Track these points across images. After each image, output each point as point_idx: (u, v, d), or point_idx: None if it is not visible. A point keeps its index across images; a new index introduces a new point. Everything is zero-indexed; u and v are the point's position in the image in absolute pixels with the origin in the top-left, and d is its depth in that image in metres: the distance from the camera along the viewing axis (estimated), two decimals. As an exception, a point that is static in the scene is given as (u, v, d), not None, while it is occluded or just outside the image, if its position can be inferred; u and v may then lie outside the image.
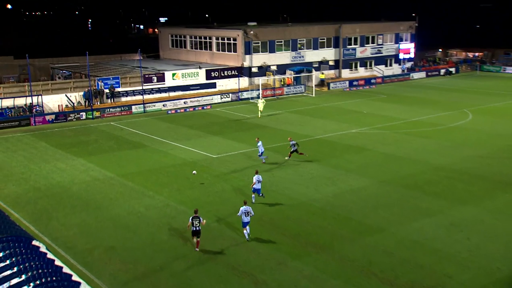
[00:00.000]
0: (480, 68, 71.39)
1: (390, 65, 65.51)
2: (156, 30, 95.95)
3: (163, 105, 46.31)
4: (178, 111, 45.63)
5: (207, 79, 51.61)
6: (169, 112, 45.22)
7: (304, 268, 17.09)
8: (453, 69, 69.20)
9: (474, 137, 34.11)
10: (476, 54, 78.36)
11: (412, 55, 66.68)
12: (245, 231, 19.14)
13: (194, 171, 25.83)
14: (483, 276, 16.33)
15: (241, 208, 19.06)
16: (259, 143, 28.35)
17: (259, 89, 49.95)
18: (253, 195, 22.72)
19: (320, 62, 59.21)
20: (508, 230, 19.60)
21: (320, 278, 16.53)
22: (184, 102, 47.32)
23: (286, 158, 29.28)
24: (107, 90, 45.68)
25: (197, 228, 18.27)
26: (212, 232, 19.92)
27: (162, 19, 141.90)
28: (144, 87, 47.11)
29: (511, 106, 45.08)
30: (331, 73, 60.10)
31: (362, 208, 22.17)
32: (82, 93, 44.49)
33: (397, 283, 16.12)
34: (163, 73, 49.42)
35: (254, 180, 22.29)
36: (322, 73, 58.25)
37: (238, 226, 20.34)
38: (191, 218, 18.43)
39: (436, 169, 27.35)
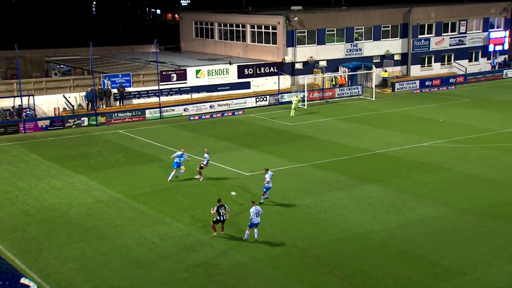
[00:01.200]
0: None
1: (476, 59, 64.34)
2: (176, 16, 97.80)
3: (184, 110, 47.03)
4: (203, 117, 46.18)
5: (239, 77, 52.10)
6: (192, 118, 45.83)
7: (359, 320, 16.88)
8: (562, 65, 67.19)
9: None
10: None
11: (506, 46, 65.30)
12: (247, 231, 21.96)
13: (233, 192, 25.60)
14: None
15: (252, 209, 21.72)
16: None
17: (304, 90, 50.04)
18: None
19: (383, 57, 58.82)
20: None
21: (381, 333, 16.28)
22: (211, 106, 47.91)
23: (197, 177, 29.77)
24: (115, 90, 46.78)
25: (224, 218, 22.06)
26: (243, 271, 19.96)
27: (184, 2, 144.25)
28: (161, 87, 47.98)
29: None
30: (396, 70, 59.55)
31: (437, 244, 21.75)
32: (84, 93, 45.56)
33: None
34: (185, 70, 50.21)
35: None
36: (385, 71, 57.83)
37: (276, 263, 20.31)
38: (216, 207, 21.97)
39: (536, 195, 26.55)
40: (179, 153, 29.37)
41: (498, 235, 22.49)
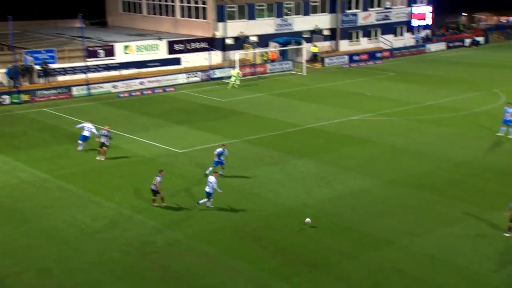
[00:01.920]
0: (514, 37, 72.71)
1: (401, 34, 66.16)
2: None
3: (113, 87, 45.97)
4: (133, 94, 45.35)
5: (169, 53, 51.36)
6: (121, 95, 44.92)
7: (293, 292, 17.24)
8: (481, 39, 70.32)
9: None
10: (511, 18, 79.59)
11: (429, 21, 67.38)
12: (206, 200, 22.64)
13: (308, 219, 21.46)
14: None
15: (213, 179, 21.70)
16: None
17: (235, 66, 49.94)
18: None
19: (313, 32, 59.42)
20: (546, 241, 20.06)
21: (314, 304, 16.70)
22: (141, 83, 47.03)
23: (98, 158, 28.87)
24: (38, 67, 45.09)
25: (155, 187, 22.50)
26: (178, 248, 19.92)
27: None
28: (88, 63, 46.64)
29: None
30: (325, 45, 60.38)
31: (365, 215, 22.42)
32: (5, 70, 43.80)
33: (410, 308, 16.38)
34: (112, 46, 48.97)
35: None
36: (315, 46, 58.48)
37: (211, 239, 20.38)
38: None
39: (459, 165, 27.80)
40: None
41: (422, 205, 23.42)
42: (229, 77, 48.05)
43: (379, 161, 28.65)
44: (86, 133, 30.17)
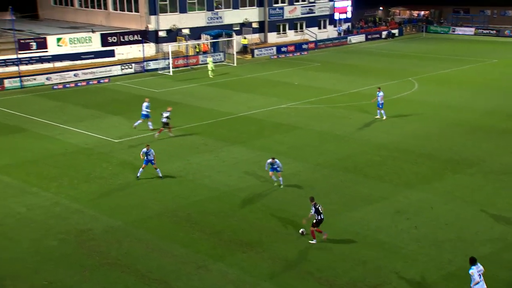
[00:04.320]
0: (426, 29, 75.37)
1: (324, 27, 67.17)
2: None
3: (47, 79, 44.30)
4: (67, 86, 43.85)
5: (103, 45, 49.97)
6: (55, 87, 43.36)
7: (228, 271, 17.25)
8: (396, 31, 72.43)
9: (421, 110, 36.00)
10: (422, 13, 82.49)
11: (349, 15, 68.73)
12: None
13: (302, 229, 19.50)
14: (434, 270, 17.38)
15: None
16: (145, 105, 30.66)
17: (169, 58, 49.16)
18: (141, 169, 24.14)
19: (242, 25, 59.35)
20: (459, 216, 21.00)
21: (248, 281, 16.78)
22: (75, 75, 45.51)
23: (156, 135, 29.93)
24: (-31, 60, 42.76)
25: (322, 216, 18.53)
26: (116, 234, 19.46)
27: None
28: (20, 56, 44.62)
29: (462, 73, 48.12)
30: (255, 37, 60.48)
31: (295, 197, 22.70)
32: None
33: (338, 283, 16.74)
34: (45, 38, 47.16)
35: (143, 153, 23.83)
36: (245, 38, 58.46)
37: (148, 225, 20.05)
38: (313, 206, 18.48)
39: (379, 148, 28.60)
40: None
41: (346, 185, 23.95)
42: (161, 68, 47.26)
43: (306, 146, 29.03)
44: (144, 112, 30.86)
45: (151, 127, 30.99)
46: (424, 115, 34.73)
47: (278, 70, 50.58)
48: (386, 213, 21.15)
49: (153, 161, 24.09)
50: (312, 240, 18.96)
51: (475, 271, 14.53)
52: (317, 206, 18.71)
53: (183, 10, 54.82)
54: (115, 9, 56.11)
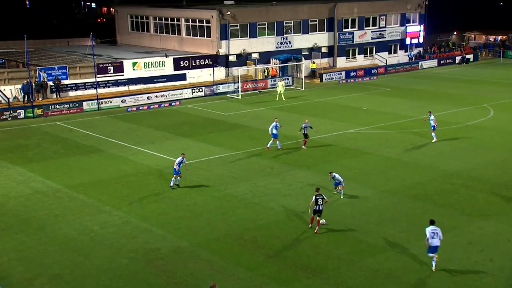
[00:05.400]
0: (503, 54, 72.77)
1: (395, 52, 66.34)
2: (111, 9, 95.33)
3: (122, 101, 46.05)
4: (140, 108, 45.41)
5: (175, 69, 51.49)
6: (129, 109, 44.97)
7: (293, 297, 17.12)
8: (470, 56, 70.39)
9: (497, 137, 34.67)
10: (499, 37, 79.78)
11: (421, 39, 67.62)
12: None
13: (323, 220, 22.12)
14: (507, 303, 16.58)
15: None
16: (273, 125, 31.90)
17: (238, 81, 50.03)
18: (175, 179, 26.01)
19: (311, 49, 59.64)
20: (535, 248, 19.94)
21: (313, 308, 16.58)
22: (148, 98, 47.11)
23: (303, 147, 32.76)
24: (51, 83, 45.22)
25: (321, 208, 21.25)
26: (182, 255, 19.83)
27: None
28: (98, 80, 46.76)
29: (537, 101, 46.00)
30: (324, 62, 60.55)
31: (362, 223, 22.34)
32: (20, 86, 43.94)
33: (405, 313, 16.25)
34: (121, 63, 49.13)
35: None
36: (313, 62, 58.65)
37: (214, 247, 20.30)
38: (314, 196, 21.28)
39: (451, 176, 27.72)
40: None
41: (416, 213, 23.33)
42: (231, 92, 48.06)
43: (374, 172, 28.57)
44: (274, 131, 31.95)
45: (279, 147, 32.43)
46: (500, 143, 33.41)
47: (346, 94, 50.29)
48: (458, 244, 20.41)
49: (178, 172, 26.05)
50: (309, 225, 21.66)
51: (429, 230, 18.52)
52: (317, 197, 21.27)
53: (253, 35, 55.83)
54: (188, 34, 57.90)
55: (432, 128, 33.58)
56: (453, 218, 22.67)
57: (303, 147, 32.71)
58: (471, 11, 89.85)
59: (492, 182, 26.67)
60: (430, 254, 18.54)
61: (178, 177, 26.40)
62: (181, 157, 26.17)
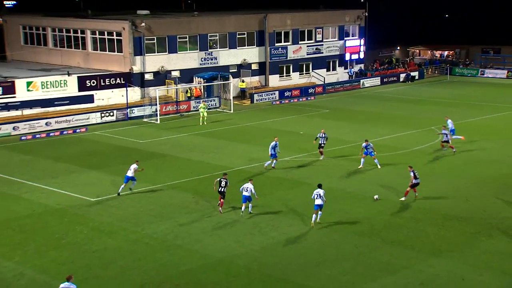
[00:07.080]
0: (450, 71, 76.48)
1: (334, 69, 68.25)
2: None
3: (14, 128, 44.75)
4: (37, 136, 44.17)
5: (80, 90, 50.64)
6: (23, 138, 43.71)
7: None
8: (415, 74, 73.53)
9: (447, 164, 36.07)
10: (445, 53, 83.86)
11: (362, 55, 69.91)
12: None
13: (377, 196, 26.92)
14: None
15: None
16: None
17: (156, 104, 49.70)
18: None
19: (240, 66, 60.30)
20: None
21: None
22: (47, 124, 45.97)
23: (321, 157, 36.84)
24: None
25: (223, 190, 27.24)
26: (89, 312, 19.14)
27: (8, 3, 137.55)
28: (-15, 102, 45.19)
29: (493, 122, 48.56)
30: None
31: (301, 265, 22.44)
32: None
33: None
34: (13, 82, 47.88)
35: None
36: (243, 81, 59.29)
37: (127, 300, 19.77)
38: (218, 179, 27.31)
39: (399, 209, 28.47)
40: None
41: (361, 251, 23.71)
42: (148, 115, 47.72)
43: (313, 204, 28.85)
44: (272, 151, 34.50)
45: (273, 165, 34.77)
46: (452, 170, 34.78)
47: (280, 117, 51.00)
48: (409, 285, 20.87)
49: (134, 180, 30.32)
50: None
51: (314, 192, 25.94)
52: (221, 180, 27.27)
53: (172, 50, 55.82)
54: (95, 49, 57.14)
55: (371, 154, 34.98)
56: (403, 256, 23.20)
57: (321, 157, 36.64)
58: (414, 24, 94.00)
59: (444, 214, 27.60)
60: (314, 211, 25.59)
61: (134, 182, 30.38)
62: (135, 164, 30.45)
